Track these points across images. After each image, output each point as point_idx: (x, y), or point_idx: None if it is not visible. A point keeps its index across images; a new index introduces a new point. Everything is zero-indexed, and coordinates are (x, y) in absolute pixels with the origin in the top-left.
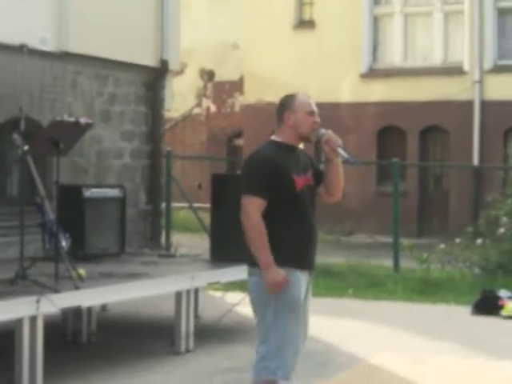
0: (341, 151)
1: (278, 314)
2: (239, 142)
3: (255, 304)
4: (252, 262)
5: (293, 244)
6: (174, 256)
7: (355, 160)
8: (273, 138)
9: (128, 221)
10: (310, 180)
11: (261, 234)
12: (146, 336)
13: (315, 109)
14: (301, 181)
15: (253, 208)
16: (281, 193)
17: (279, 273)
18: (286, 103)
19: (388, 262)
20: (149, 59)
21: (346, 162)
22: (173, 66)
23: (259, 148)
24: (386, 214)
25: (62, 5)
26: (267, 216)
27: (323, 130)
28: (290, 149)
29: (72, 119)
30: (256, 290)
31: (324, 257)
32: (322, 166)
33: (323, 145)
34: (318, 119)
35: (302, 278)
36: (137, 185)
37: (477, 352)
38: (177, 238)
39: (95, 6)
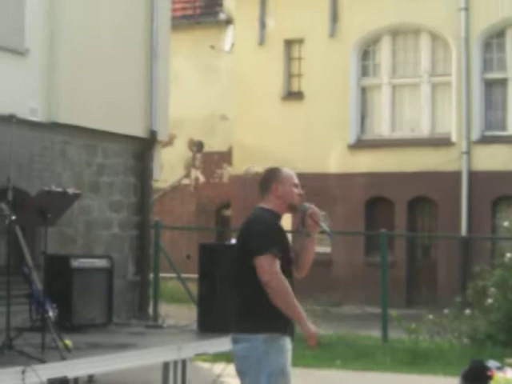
0: (323, 225)
1: (271, 377)
2: (227, 212)
3: (244, 371)
4: (240, 329)
5: (280, 310)
6: (161, 327)
7: (333, 235)
8: (262, 206)
9: (116, 291)
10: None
11: (287, 289)
12: None
13: (298, 182)
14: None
15: (272, 265)
16: (283, 256)
17: (311, 326)
18: (274, 175)
19: (377, 333)
20: (138, 130)
21: (327, 235)
22: (161, 136)
23: (256, 213)
24: (374, 285)
25: (52, 76)
26: (258, 284)
27: (308, 204)
28: (278, 216)
29: (60, 189)
30: (245, 356)
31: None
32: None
33: (307, 218)
34: (302, 192)
35: (289, 345)
36: (125, 255)
37: None
38: (165, 308)
39: (84, 78)
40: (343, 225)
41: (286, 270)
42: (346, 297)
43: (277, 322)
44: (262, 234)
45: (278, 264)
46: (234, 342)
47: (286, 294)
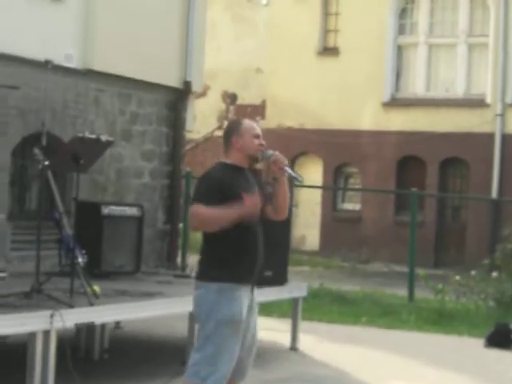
0: (288, 170)
1: (219, 325)
2: (258, 165)
3: (197, 316)
4: (199, 275)
5: (237, 260)
6: (189, 276)
7: (302, 178)
8: (222, 160)
9: (145, 240)
10: (258, 199)
11: (208, 211)
12: (158, 355)
13: (260, 132)
14: (248, 199)
15: (198, 208)
16: None
17: (248, 201)
18: (233, 128)
19: (403, 292)
20: (172, 80)
21: (293, 180)
22: (196, 87)
23: (209, 169)
24: (402, 244)
25: (89, 23)
26: (214, 232)
27: (271, 151)
28: (238, 169)
29: (93, 136)
30: (201, 302)
31: (339, 284)
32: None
33: (271, 165)
34: (263, 142)
35: (245, 295)
36: (155, 204)
37: None
38: (193, 258)
39: (121, 26)
40: (374, 182)
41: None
42: (374, 254)
43: (229, 272)
44: (200, 191)
45: (202, 206)
46: (195, 288)
47: (214, 216)
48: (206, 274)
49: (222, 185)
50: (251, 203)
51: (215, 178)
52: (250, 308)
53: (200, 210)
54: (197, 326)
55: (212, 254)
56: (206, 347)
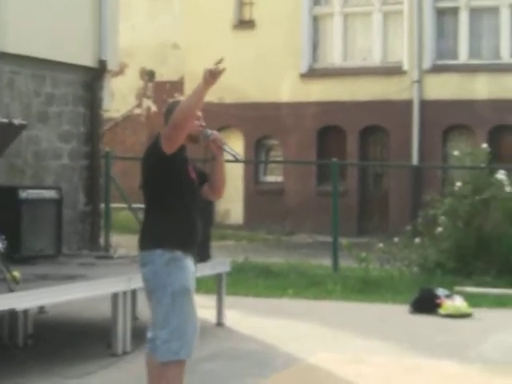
0: (227, 148)
1: (175, 297)
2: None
3: (151, 291)
4: (145, 249)
5: (186, 230)
6: (111, 257)
7: (241, 157)
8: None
9: (66, 222)
10: (195, 178)
11: (181, 103)
12: (84, 338)
13: (200, 113)
14: (192, 172)
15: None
16: (177, 179)
17: (205, 73)
18: (173, 109)
19: (328, 262)
20: (87, 59)
21: (233, 158)
22: (111, 66)
23: (154, 140)
24: (326, 214)
25: (0, 4)
26: (164, 201)
27: (209, 131)
28: (179, 148)
29: (5, 120)
30: (151, 277)
31: (264, 257)
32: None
33: (210, 144)
34: (203, 123)
35: (191, 263)
36: (75, 185)
37: (414, 351)
38: (117, 239)
39: (33, 6)
40: (295, 154)
41: (188, 189)
42: (298, 226)
43: (181, 240)
44: (155, 146)
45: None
46: (141, 265)
47: (188, 101)
48: (153, 244)
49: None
50: (210, 74)
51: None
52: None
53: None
54: (149, 304)
55: (158, 224)
56: (169, 322)
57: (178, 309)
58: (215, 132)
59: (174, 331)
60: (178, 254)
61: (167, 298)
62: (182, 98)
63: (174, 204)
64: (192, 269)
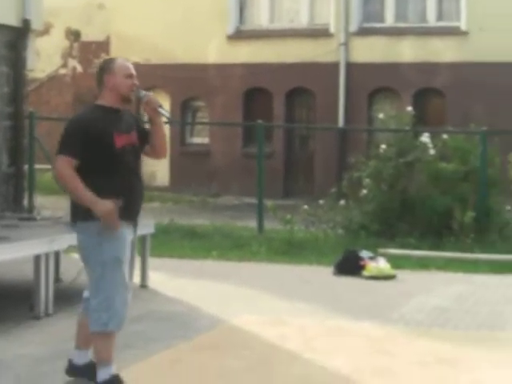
0: (162, 111)
1: (106, 266)
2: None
3: (84, 260)
4: (76, 219)
5: (115, 198)
6: (35, 219)
7: (172, 118)
8: (96, 102)
9: None
10: (134, 139)
11: (75, 180)
12: (6, 300)
13: (133, 72)
14: (122, 139)
15: (64, 165)
16: (100, 151)
17: (105, 203)
18: (106, 67)
19: (253, 224)
20: (10, 18)
21: (168, 120)
22: (36, 25)
23: (80, 112)
24: (251, 176)
25: None
26: (90, 173)
27: (144, 92)
28: (111, 111)
29: None
30: (84, 246)
31: (189, 219)
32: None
33: (144, 106)
34: (136, 82)
35: (128, 232)
36: None
37: (337, 312)
38: (41, 200)
39: None
40: (221, 115)
41: (114, 159)
42: (225, 188)
43: None
44: (67, 135)
45: (69, 164)
46: (76, 233)
47: (73, 187)
48: (84, 213)
49: (91, 128)
50: (105, 210)
51: (83, 121)
52: (131, 245)
53: (65, 171)
54: (86, 272)
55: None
56: (98, 292)
57: (108, 279)
58: (149, 93)
59: (102, 302)
60: None
61: (98, 268)
62: (115, 59)
63: (105, 174)
64: (126, 238)
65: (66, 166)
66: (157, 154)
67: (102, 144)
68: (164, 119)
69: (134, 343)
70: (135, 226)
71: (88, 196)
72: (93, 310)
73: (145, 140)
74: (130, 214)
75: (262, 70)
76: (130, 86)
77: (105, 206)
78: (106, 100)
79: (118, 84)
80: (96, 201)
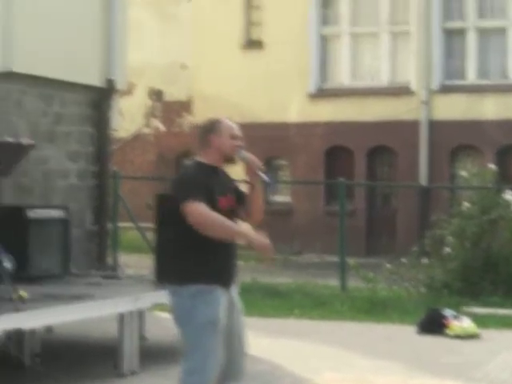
0: (262, 174)
1: (199, 331)
2: (188, 161)
3: (177, 322)
4: (171, 280)
5: (213, 261)
6: (119, 277)
7: (275, 184)
8: (197, 159)
9: (74, 242)
10: (232, 201)
11: (217, 217)
12: (91, 358)
13: (239, 133)
14: (223, 201)
15: (197, 207)
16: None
17: (262, 235)
18: (212, 127)
19: (335, 282)
20: (94, 79)
21: (266, 185)
22: (120, 85)
23: (186, 168)
24: (333, 234)
25: (7, 23)
26: (189, 233)
27: (246, 154)
28: (213, 169)
29: (12, 140)
30: (177, 309)
31: (271, 277)
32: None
33: (245, 167)
34: (240, 143)
35: (223, 295)
36: (83, 205)
37: (421, 371)
38: (124, 258)
39: (40, 25)
40: (303, 174)
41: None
42: (306, 246)
43: (207, 272)
44: (184, 185)
45: (202, 204)
46: (169, 294)
47: (217, 222)
48: (178, 276)
49: (203, 183)
50: (265, 247)
51: (195, 174)
52: (231, 308)
53: (201, 208)
54: (180, 333)
55: (184, 255)
56: (191, 355)
57: (201, 343)
58: (251, 155)
59: (194, 366)
60: (205, 287)
61: (190, 331)
62: (221, 119)
63: (203, 236)
64: (222, 301)
65: (201, 207)
66: (252, 218)
67: (209, 204)
68: (263, 182)
69: None
70: (231, 288)
71: (240, 228)
72: (185, 373)
73: (241, 203)
74: (226, 278)
75: (343, 128)
76: (234, 146)
77: (261, 237)
78: (208, 158)
79: (223, 144)
80: (250, 232)
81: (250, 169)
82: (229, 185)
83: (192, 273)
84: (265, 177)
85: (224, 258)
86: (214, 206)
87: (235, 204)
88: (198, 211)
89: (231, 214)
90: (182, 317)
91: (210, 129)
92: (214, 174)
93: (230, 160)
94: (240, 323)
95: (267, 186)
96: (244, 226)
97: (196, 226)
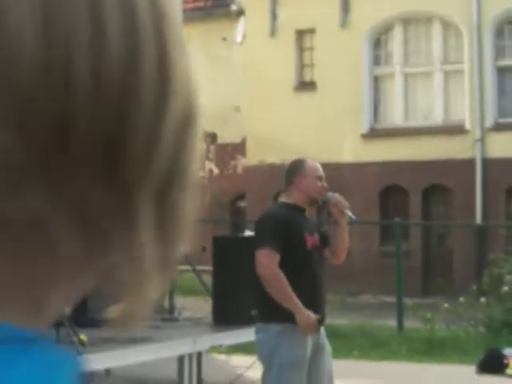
0: (349, 213)
1: (282, 370)
2: (242, 204)
3: (261, 359)
4: (258, 316)
5: (300, 300)
6: (176, 319)
7: (357, 220)
8: (282, 200)
9: None
10: (317, 241)
11: (283, 282)
12: None
13: (322, 174)
14: (310, 240)
15: (268, 259)
16: (292, 250)
17: (310, 315)
18: (297, 168)
19: (392, 322)
20: None
21: (351, 222)
22: None
23: (270, 209)
24: (390, 274)
25: None
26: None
27: (330, 194)
28: (299, 210)
29: None
30: (262, 346)
31: (329, 318)
32: (324, 228)
33: (331, 207)
34: (325, 184)
35: (310, 335)
36: None
37: None
38: (181, 301)
39: None
40: (358, 214)
41: (301, 258)
42: (363, 286)
43: (289, 313)
44: (263, 230)
45: (272, 258)
46: (255, 330)
47: (278, 288)
48: (266, 314)
49: (285, 224)
50: (304, 322)
51: (278, 217)
52: (318, 349)
53: (270, 269)
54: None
55: (269, 295)
56: None
57: (283, 381)
58: (337, 195)
59: None
60: (291, 326)
61: (274, 369)
62: (306, 160)
63: (293, 273)
64: (307, 340)
65: (271, 261)
66: (336, 257)
67: (294, 243)
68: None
69: None
70: (320, 331)
71: (294, 301)
72: None
73: (325, 243)
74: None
75: (397, 168)
76: (320, 188)
77: (309, 318)
78: (293, 199)
79: (309, 186)
80: (300, 309)
81: (336, 208)
82: (313, 225)
83: (278, 311)
84: (352, 215)
85: (313, 297)
86: (301, 244)
87: (320, 244)
88: (268, 269)
89: (317, 253)
90: (266, 355)
91: (295, 170)
92: (300, 214)
93: (314, 202)
94: (329, 364)
95: (353, 224)
96: (300, 304)
97: (261, 277)
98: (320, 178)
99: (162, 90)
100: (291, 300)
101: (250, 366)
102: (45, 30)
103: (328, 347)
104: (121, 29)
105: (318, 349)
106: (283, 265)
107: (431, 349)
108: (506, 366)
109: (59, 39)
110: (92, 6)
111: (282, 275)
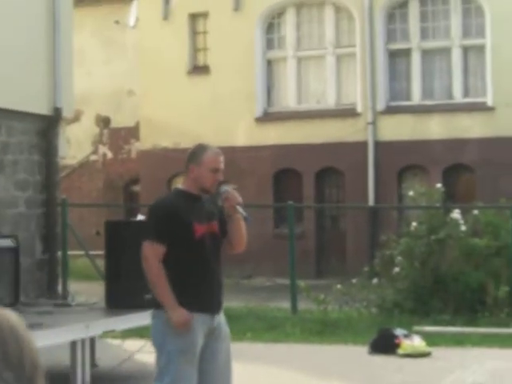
0: (240, 210)
1: (171, 357)
2: (136, 188)
3: (153, 344)
4: (154, 304)
5: (191, 288)
6: (69, 305)
7: (251, 219)
8: (178, 186)
9: (24, 270)
10: (215, 228)
11: (159, 277)
12: None
13: (221, 166)
14: (202, 228)
15: (151, 253)
16: (180, 239)
17: (183, 313)
18: (194, 155)
19: (287, 305)
20: (41, 107)
21: (245, 219)
22: (66, 113)
23: (161, 197)
24: (283, 257)
25: None
26: (168, 261)
27: (225, 187)
28: (193, 197)
29: None
30: (153, 333)
31: (224, 301)
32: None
33: (223, 201)
34: (220, 177)
35: (202, 322)
36: (32, 234)
37: None
38: (75, 286)
39: None
40: (252, 197)
41: (190, 247)
42: (257, 269)
43: (185, 299)
44: (151, 220)
45: (156, 252)
46: (151, 316)
47: (156, 282)
48: (155, 302)
49: (173, 214)
50: (176, 320)
51: (164, 208)
52: (213, 335)
53: (152, 262)
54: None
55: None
56: (162, 378)
57: (171, 368)
58: (230, 190)
59: None
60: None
61: (163, 356)
62: (206, 149)
63: (182, 263)
64: (198, 329)
65: (152, 254)
66: (233, 248)
67: (182, 232)
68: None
69: None
70: (214, 315)
71: (167, 298)
72: None
73: (224, 232)
74: (205, 305)
75: (290, 151)
76: (212, 181)
77: (181, 317)
78: (187, 186)
79: (200, 176)
80: (173, 307)
81: (228, 202)
82: (213, 212)
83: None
84: (243, 212)
85: (205, 285)
86: (188, 234)
87: (218, 231)
88: (149, 262)
89: (212, 239)
90: (157, 342)
91: (192, 157)
92: (193, 202)
93: (206, 192)
94: (227, 350)
95: (245, 221)
96: (172, 302)
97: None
98: (215, 170)
99: None
100: (165, 296)
101: (139, 350)
102: None
103: (225, 332)
104: None
105: (213, 334)
106: (170, 255)
107: (325, 330)
108: (397, 345)
109: None
110: None
111: (159, 269)
